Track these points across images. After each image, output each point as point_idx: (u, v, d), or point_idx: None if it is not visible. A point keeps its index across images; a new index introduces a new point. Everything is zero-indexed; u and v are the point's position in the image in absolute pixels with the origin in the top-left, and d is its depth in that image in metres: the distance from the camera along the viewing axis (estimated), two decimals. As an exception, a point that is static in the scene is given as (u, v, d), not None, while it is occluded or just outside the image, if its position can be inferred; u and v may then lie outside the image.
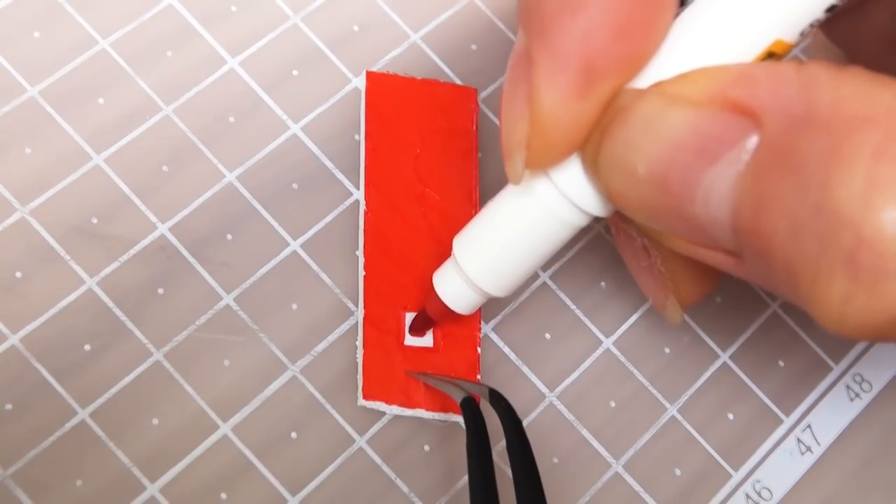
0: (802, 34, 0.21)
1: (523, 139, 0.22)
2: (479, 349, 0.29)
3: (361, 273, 0.29)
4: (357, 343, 0.28)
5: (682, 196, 0.20)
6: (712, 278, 0.26)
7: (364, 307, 0.28)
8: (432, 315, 0.28)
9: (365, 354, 0.28)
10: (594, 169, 0.22)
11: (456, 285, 0.26)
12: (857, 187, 0.18)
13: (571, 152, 0.22)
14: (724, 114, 0.20)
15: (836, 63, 0.19)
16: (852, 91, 0.18)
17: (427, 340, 0.28)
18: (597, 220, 0.24)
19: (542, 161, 0.22)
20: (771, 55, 0.21)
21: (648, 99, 0.21)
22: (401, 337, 0.28)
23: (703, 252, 0.21)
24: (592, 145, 0.22)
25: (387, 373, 0.28)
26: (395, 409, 0.28)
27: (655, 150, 0.20)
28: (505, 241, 0.25)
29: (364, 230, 0.29)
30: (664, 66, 0.21)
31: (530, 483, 0.24)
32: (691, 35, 0.21)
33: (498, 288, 0.26)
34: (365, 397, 0.28)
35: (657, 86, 0.21)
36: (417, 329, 0.28)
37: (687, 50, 0.21)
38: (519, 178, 0.23)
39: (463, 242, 0.26)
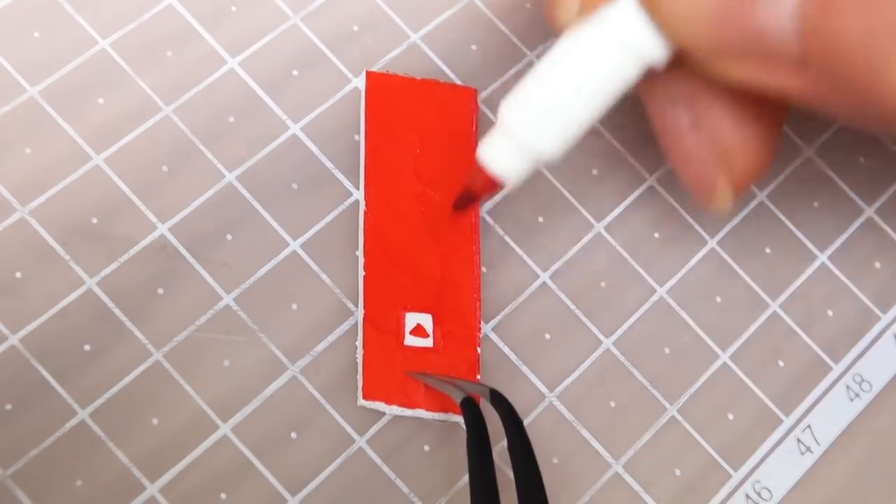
0: None
1: None
2: (479, 349, 0.29)
3: (361, 273, 0.29)
4: (357, 343, 0.28)
5: (745, 4, 0.20)
6: (769, 144, 0.25)
7: (364, 307, 0.28)
8: (476, 189, 0.26)
9: (365, 354, 0.28)
10: None
11: (504, 150, 0.25)
12: None
13: None
14: None
15: None
16: None
17: (427, 340, 0.28)
18: (649, 73, 0.23)
19: None
20: None
21: None
22: (401, 337, 0.28)
23: (765, 76, 0.21)
24: None
25: (387, 373, 0.28)
26: (395, 410, 0.28)
27: None
28: (560, 86, 0.23)
29: (364, 230, 0.29)
30: None
31: (531, 483, 0.24)
32: None
33: (549, 142, 0.24)
34: (365, 397, 0.28)
35: None
36: (461, 207, 0.27)
37: None
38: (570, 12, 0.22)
39: (511, 102, 0.24)
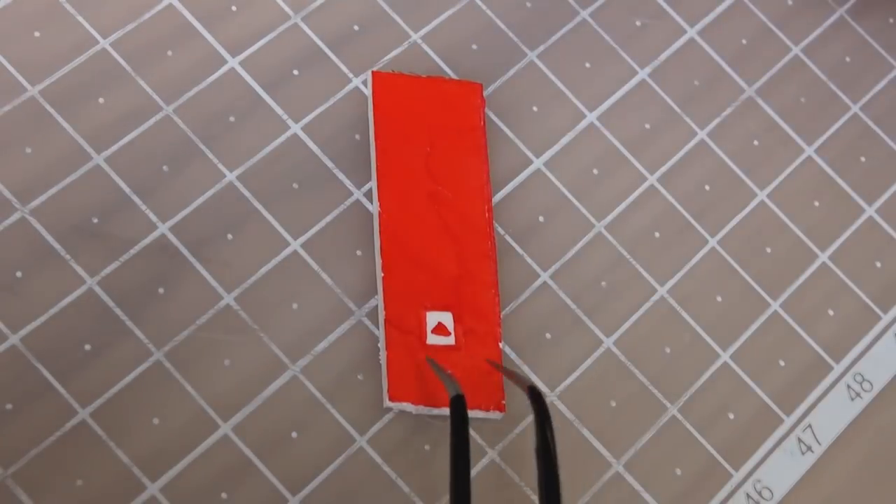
0: None
1: None
2: (500, 344, 0.29)
3: (380, 275, 0.29)
4: (379, 345, 0.28)
5: None
6: None
7: (384, 309, 0.28)
8: None
9: (388, 356, 0.28)
10: None
11: None
12: None
13: None
14: None
15: None
16: None
17: (449, 339, 0.28)
18: None
19: None
20: None
21: None
22: (423, 336, 0.28)
23: None
24: None
25: (411, 373, 0.28)
26: (422, 409, 0.28)
27: None
28: None
29: (380, 231, 0.29)
30: None
31: (549, 482, 0.25)
32: None
33: None
34: (391, 399, 0.27)
35: None
36: None
37: None
38: None
39: None
